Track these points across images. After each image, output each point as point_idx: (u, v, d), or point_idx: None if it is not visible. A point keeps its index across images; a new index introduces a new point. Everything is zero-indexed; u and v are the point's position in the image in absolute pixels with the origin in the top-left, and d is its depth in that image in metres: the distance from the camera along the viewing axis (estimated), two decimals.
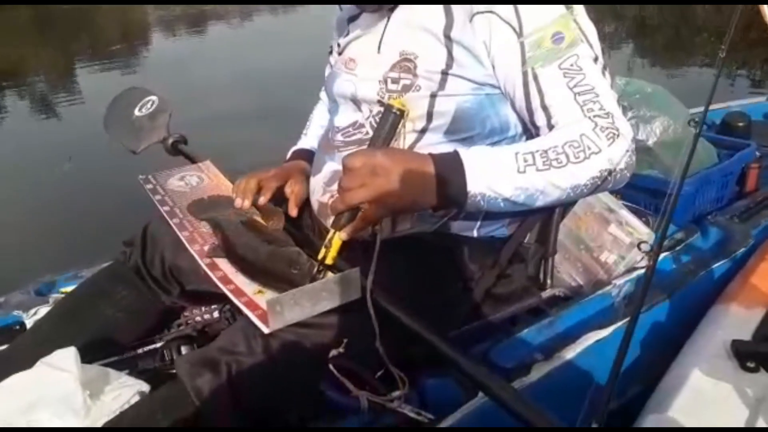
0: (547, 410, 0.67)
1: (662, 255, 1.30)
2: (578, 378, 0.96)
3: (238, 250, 0.97)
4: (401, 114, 0.85)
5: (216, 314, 1.26)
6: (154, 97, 1.65)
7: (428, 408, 0.87)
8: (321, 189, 1.09)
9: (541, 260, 1.18)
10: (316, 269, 0.86)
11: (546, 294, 1.17)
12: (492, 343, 1.00)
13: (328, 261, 0.87)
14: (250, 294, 0.91)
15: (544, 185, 0.83)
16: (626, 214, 1.26)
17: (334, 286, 0.86)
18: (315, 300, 0.85)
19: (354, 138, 1.04)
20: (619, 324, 1.03)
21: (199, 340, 1.17)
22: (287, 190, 1.14)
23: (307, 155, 1.24)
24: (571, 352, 0.98)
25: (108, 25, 12.19)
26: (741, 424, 0.84)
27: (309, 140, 1.31)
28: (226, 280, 0.95)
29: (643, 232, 1.24)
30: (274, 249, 0.92)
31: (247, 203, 1.10)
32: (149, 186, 1.22)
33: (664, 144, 1.41)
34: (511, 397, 0.73)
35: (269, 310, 0.81)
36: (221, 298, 1.04)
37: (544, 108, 0.89)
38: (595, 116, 0.85)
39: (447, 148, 0.95)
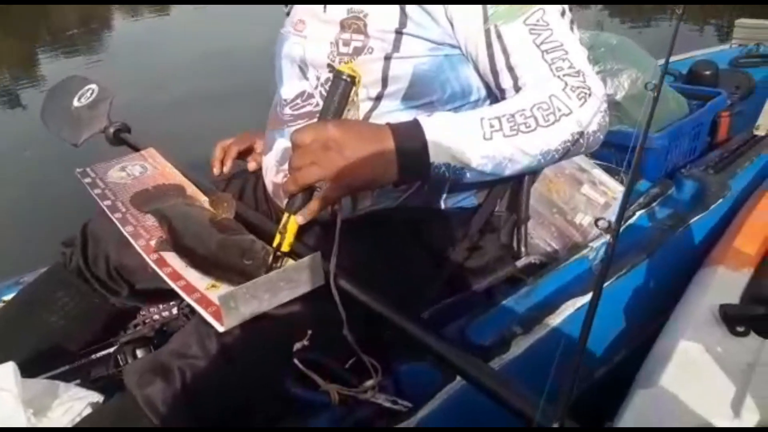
0: (529, 391, 0.63)
1: (638, 212, 1.27)
2: (560, 348, 0.92)
3: (186, 242, 0.90)
4: (352, 81, 0.78)
5: (175, 311, 1.20)
6: (93, 86, 1.57)
7: (405, 396, 0.83)
8: (274, 168, 1.02)
9: (514, 228, 1.14)
10: (271, 258, 0.80)
11: (521, 263, 1.13)
12: (468, 319, 0.96)
13: (285, 248, 0.81)
14: (202, 289, 0.84)
15: (513, 152, 0.78)
16: (599, 173, 1.23)
17: (293, 275, 0.80)
18: (273, 291, 0.79)
19: (303, 110, 0.97)
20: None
21: (157, 341, 1.10)
22: (256, 148, 1.12)
23: None
24: (550, 323, 0.94)
25: (67, 9, 11.66)
26: (733, 392, 0.81)
27: None
28: (175, 276, 0.88)
29: (617, 189, 1.21)
30: (224, 238, 0.85)
31: (216, 170, 1.13)
32: (87, 180, 1.14)
33: (633, 97, 1.37)
34: (491, 379, 0.69)
35: (222, 306, 0.75)
36: (174, 293, 0.98)
37: (510, 68, 0.83)
38: (564, 75, 0.80)
39: (405, 116, 0.90)
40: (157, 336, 1.12)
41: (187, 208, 1.00)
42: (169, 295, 1.07)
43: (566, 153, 0.82)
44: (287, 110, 0.99)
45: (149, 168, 1.19)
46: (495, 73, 0.85)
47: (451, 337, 0.91)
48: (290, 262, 0.83)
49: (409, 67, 0.88)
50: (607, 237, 1.17)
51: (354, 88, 0.81)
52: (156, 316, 1.18)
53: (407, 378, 0.86)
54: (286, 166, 0.99)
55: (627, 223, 1.21)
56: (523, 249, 1.14)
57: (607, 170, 1.28)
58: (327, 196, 0.76)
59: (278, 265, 0.82)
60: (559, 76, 0.80)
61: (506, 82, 0.84)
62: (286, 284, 0.80)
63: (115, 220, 1.01)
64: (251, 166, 1.17)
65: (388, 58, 0.88)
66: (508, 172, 0.81)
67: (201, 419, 0.74)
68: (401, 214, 0.97)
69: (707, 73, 1.82)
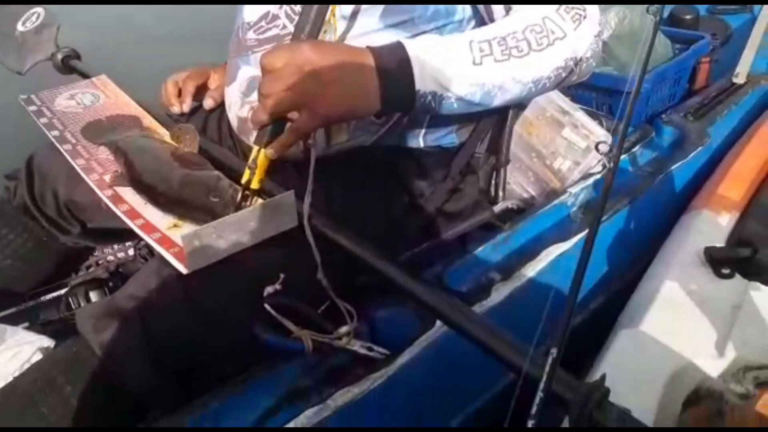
0: (517, 341, 0.60)
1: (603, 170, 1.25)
2: (541, 296, 0.90)
3: (145, 177, 0.83)
4: None
5: (131, 252, 1.13)
6: (39, 9, 1.43)
7: (381, 343, 0.80)
8: (238, 100, 0.95)
9: (492, 171, 1.10)
10: (240, 195, 0.74)
11: (498, 208, 1.10)
12: (444, 265, 0.93)
13: (254, 185, 0.75)
14: (163, 229, 0.79)
15: (503, 79, 0.73)
16: (581, 116, 1.19)
17: (264, 214, 0.75)
18: (242, 232, 0.74)
19: (269, 34, 0.89)
20: (580, 235, 0.97)
21: (112, 283, 1.04)
22: (210, 84, 1.04)
23: None
24: (531, 269, 0.92)
25: None
26: (717, 333, 0.81)
27: None
28: (133, 214, 0.82)
29: (600, 134, 1.18)
30: (188, 173, 0.79)
31: (176, 109, 1.04)
32: (32, 108, 1.04)
33: (619, 38, 1.33)
34: (474, 325, 0.66)
35: (186, 246, 0.69)
36: (130, 233, 0.92)
37: None
38: None
39: (382, 36, 0.83)
40: (112, 278, 1.06)
41: (145, 140, 0.93)
42: (124, 234, 1.01)
43: (559, 81, 0.77)
44: (250, 34, 0.92)
45: (102, 97, 1.10)
46: None
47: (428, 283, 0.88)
48: (260, 201, 0.77)
49: None
50: (588, 181, 1.17)
51: (331, 7, 0.74)
52: (110, 257, 1.12)
53: (383, 324, 0.83)
54: (252, 98, 0.92)
55: (604, 171, 1.18)
56: (500, 193, 1.11)
57: (588, 114, 1.25)
58: (300, 128, 0.70)
59: (247, 203, 0.76)
60: None
61: (498, 8, 0.79)
62: (256, 224, 0.75)
63: (64, 152, 0.93)
64: (208, 103, 1.08)
65: None
66: (497, 102, 0.76)
67: (163, 367, 0.69)
68: (378, 151, 0.91)
69: (688, 17, 1.78)
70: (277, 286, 0.77)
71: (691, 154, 1.24)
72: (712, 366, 0.81)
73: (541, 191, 1.24)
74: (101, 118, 1.03)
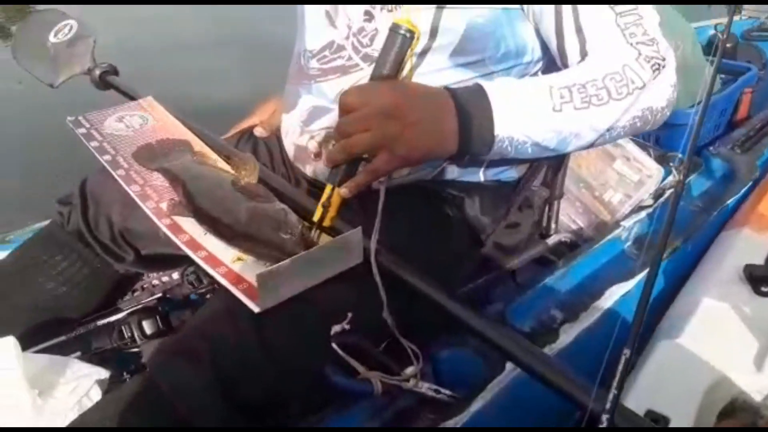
0: (584, 379, 0.60)
1: (667, 191, 1.24)
2: (603, 336, 0.89)
3: (206, 207, 0.82)
4: (411, 36, 0.71)
5: (176, 276, 1.12)
6: (72, 21, 1.44)
7: (444, 383, 0.79)
8: (297, 128, 0.94)
9: (545, 204, 1.09)
10: (313, 232, 0.73)
11: (551, 241, 1.09)
12: (505, 302, 0.91)
13: (327, 222, 0.74)
14: (227, 262, 0.78)
15: (581, 127, 0.72)
16: (633, 149, 1.19)
17: (333, 251, 0.74)
18: (312, 269, 0.73)
19: (333, 64, 0.89)
20: (641, 276, 0.96)
21: (160, 309, 1.03)
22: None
23: None
24: (596, 311, 0.91)
25: None
26: (755, 349, 0.84)
27: None
28: (194, 245, 0.81)
29: (652, 167, 1.17)
30: (255, 206, 0.78)
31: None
32: (82, 130, 1.03)
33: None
34: (547, 367, 0.64)
35: (261, 285, 0.68)
36: (183, 260, 0.91)
37: (578, 30, 0.77)
38: (638, 43, 0.74)
39: (453, 74, 0.83)
40: (160, 304, 1.04)
41: (201, 167, 0.92)
42: (177, 260, 1.00)
43: (634, 130, 0.77)
44: (313, 63, 0.91)
45: (150, 119, 1.09)
46: (560, 34, 0.79)
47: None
48: (328, 237, 0.77)
49: (462, 19, 0.80)
50: (641, 215, 1.16)
51: (412, 46, 0.73)
52: (155, 281, 1.10)
53: (446, 365, 0.82)
54: (313, 127, 0.92)
55: (660, 201, 1.17)
56: (553, 226, 1.10)
57: (636, 145, 1.24)
58: (378, 169, 0.69)
59: (317, 240, 0.75)
60: (632, 44, 0.74)
61: (571, 45, 0.78)
62: (325, 262, 0.74)
63: (117, 177, 0.92)
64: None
65: (440, 7, 0.80)
66: (570, 148, 0.76)
67: (236, 410, 0.68)
68: (440, 186, 0.91)
69: (729, 45, 1.78)
70: (345, 326, 0.76)
71: (743, 190, 1.23)
72: (749, 381, 0.82)
73: (590, 223, 1.23)
74: (152, 141, 1.03)
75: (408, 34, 0.70)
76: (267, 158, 1.05)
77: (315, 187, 0.96)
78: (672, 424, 0.77)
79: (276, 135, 1.07)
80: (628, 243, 1.10)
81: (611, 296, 0.94)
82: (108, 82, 1.36)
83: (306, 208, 0.82)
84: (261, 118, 1.09)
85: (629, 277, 0.97)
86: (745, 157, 1.32)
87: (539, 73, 0.90)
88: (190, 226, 0.84)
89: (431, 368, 0.81)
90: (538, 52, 0.86)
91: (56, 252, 0.92)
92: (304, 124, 0.92)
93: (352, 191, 0.71)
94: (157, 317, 0.99)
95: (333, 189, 0.72)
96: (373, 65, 0.84)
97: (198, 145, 1.04)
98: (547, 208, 1.09)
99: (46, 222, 1.00)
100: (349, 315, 0.75)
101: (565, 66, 0.80)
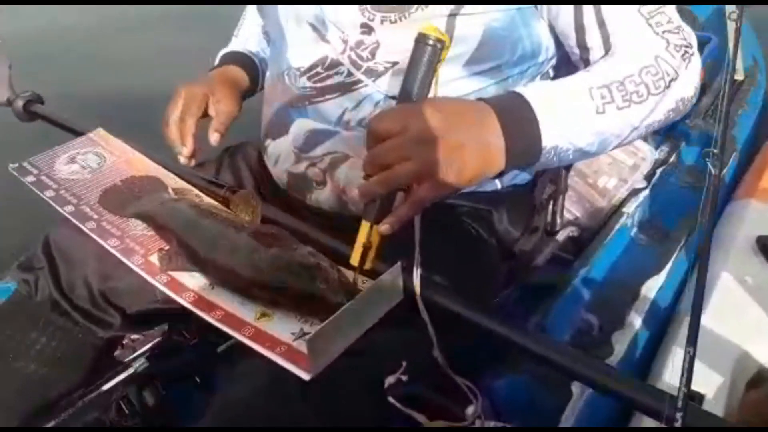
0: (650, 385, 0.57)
1: (658, 169, 1.24)
2: (655, 338, 0.87)
3: (215, 258, 0.72)
4: (441, 46, 0.63)
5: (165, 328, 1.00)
6: None
7: (504, 415, 0.73)
8: (291, 155, 0.85)
9: (549, 200, 1.06)
10: (355, 277, 0.65)
11: (561, 237, 1.05)
12: (541, 314, 0.87)
13: (368, 265, 0.66)
14: (251, 321, 0.68)
15: (622, 127, 0.68)
16: None
17: (377, 294, 0.66)
18: (359, 318, 0.65)
19: (331, 82, 0.80)
20: (669, 265, 0.94)
21: (155, 371, 0.92)
22: (210, 111, 0.91)
23: (241, 59, 1.01)
24: (639, 312, 0.87)
25: None
26: None
27: (242, 41, 1.07)
28: (205, 305, 0.70)
29: (645, 150, 1.16)
30: (278, 254, 0.68)
31: (187, 151, 0.90)
32: (30, 178, 0.89)
33: None
34: (619, 382, 0.60)
35: (312, 350, 0.60)
36: (175, 313, 0.81)
37: (601, 24, 0.73)
38: (665, 32, 0.71)
39: (467, 83, 0.78)
40: (154, 365, 0.93)
41: (189, 210, 0.80)
42: (166, 314, 0.89)
43: (665, 123, 0.74)
44: (303, 82, 0.82)
45: (107, 156, 0.96)
46: (580, 29, 0.74)
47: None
48: (367, 280, 0.69)
49: (478, 26, 0.74)
50: (639, 199, 1.14)
51: (440, 56, 0.66)
52: (135, 336, 0.98)
53: (504, 395, 0.77)
54: (314, 153, 0.83)
55: (653, 181, 1.17)
56: (558, 221, 1.06)
57: None
58: (423, 199, 0.61)
59: (357, 286, 0.67)
60: (659, 33, 0.71)
61: (594, 39, 0.74)
62: (370, 308, 0.66)
63: (90, 232, 0.79)
64: (214, 138, 0.91)
65: (453, 15, 0.73)
66: (609, 149, 0.72)
67: None
68: (460, 200, 0.84)
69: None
70: (401, 376, 0.69)
71: (730, 160, 1.24)
72: None
73: (584, 211, 1.20)
74: (117, 183, 0.90)
75: (438, 44, 0.62)
76: (251, 184, 0.94)
77: (319, 216, 0.87)
78: (707, 400, 0.77)
79: (251, 158, 0.97)
80: (634, 230, 1.08)
81: (648, 293, 0.91)
82: (34, 112, 1.21)
83: (330, 247, 0.74)
84: (193, 106, 0.90)
85: (656, 268, 0.95)
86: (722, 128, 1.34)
87: (550, 71, 0.85)
88: (191, 279, 0.74)
89: (488, 402, 0.75)
90: (552, 50, 0.82)
91: (29, 328, 0.79)
92: (301, 150, 0.83)
93: (394, 227, 0.63)
94: (158, 385, 0.88)
95: (371, 227, 0.64)
96: (377, 80, 0.77)
97: (170, 179, 0.92)
98: (551, 204, 1.05)
99: None
100: (404, 364, 0.68)
101: (586, 62, 0.76)
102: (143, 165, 0.94)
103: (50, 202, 0.85)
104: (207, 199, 0.87)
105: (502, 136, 0.62)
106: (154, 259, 0.77)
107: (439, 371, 0.71)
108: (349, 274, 0.69)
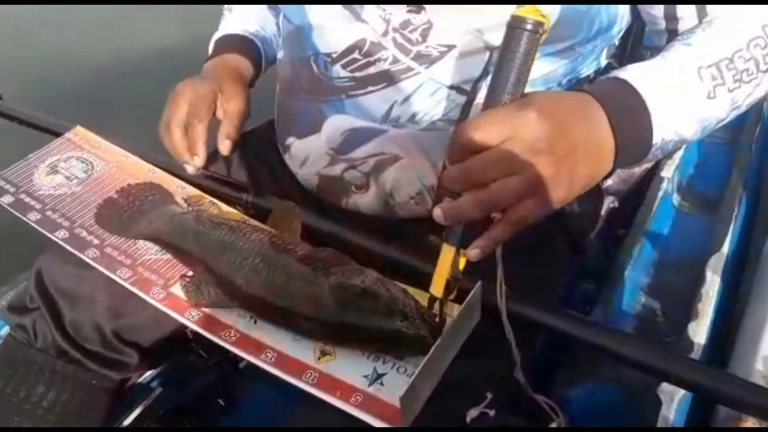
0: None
1: None
2: (721, 323, 0.81)
3: (256, 289, 0.61)
4: (541, 32, 0.52)
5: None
6: None
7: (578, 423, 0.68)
8: (325, 156, 0.74)
9: None
10: (444, 312, 0.56)
11: (603, 211, 0.97)
12: (602, 304, 0.80)
13: (452, 296, 0.57)
14: (312, 364, 0.59)
15: (728, 110, 0.60)
16: None
17: (461, 323, 0.57)
18: (445, 353, 0.57)
19: (372, 70, 0.69)
20: (728, 240, 0.87)
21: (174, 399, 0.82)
22: (218, 113, 0.78)
23: (241, 44, 0.87)
24: (708, 297, 0.80)
25: None
26: None
27: (238, 20, 0.91)
28: (253, 345, 0.61)
29: None
30: (340, 284, 0.58)
31: (192, 169, 0.76)
32: (6, 198, 0.76)
33: None
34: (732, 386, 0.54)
35: (406, 406, 0.51)
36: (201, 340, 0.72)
37: None
38: None
39: (539, 65, 0.67)
40: (172, 393, 0.83)
41: (209, 225, 0.69)
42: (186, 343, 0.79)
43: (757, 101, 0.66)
44: (338, 71, 0.70)
45: (94, 161, 0.83)
46: None
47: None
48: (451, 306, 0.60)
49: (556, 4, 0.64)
50: (675, 161, 1.07)
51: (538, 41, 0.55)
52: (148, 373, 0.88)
53: (581, 405, 0.70)
54: (355, 155, 0.71)
55: None
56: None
57: None
58: (523, 218, 0.50)
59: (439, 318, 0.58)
60: None
61: (687, 8, 0.64)
62: (455, 340, 0.58)
63: (92, 262, 0.68)
64: (225, 147, 0.77)
65: None
66: (703, 136, 0.63)
67: None
68: None
69: None
70: (486, 409, 0.62)
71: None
72: None
73: (616, 177, 1.13)
74: (112, 195, 0.78)
75: (539, 29, 0.51)
76: (272, 186, 0.83)
77: (357, 220, 0.77)
78: None
79: (265, 153, 0.85)
80: (675, 195, 1.02)
81: (714, 271, 0.84)
82: None
83: (388, 259, 0.65)
84: (202, 108, 0.75)
85: (713, 242, 0.88)
86: None
87: (617, 41, 0.75)
88: (229, 316, 0.64)
89: (568, 415, 0.69)
90: (626, 18, 0.72)
91: (34, 381, 0.68)
92: (338, 151, 0.72)
93: (485, 252, 0.53)
94: (186, 419, 0.78)
95: (458, 251, 0.54)
96: (431, 67, 0.66)
97: (175, 185, 0.80)
98: None
99: None
100: (489, 396, 0.60)
101: (672, 33, 0.67)
102: (139, 169, 0.81)
103: (37, 227, 0.72)
104: (226, 208, 0.76)
105: (611, 134, 0.52)
106: (177, 290, 0.66)
107: (520, 391, 0.64)
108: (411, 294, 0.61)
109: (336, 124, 0.71)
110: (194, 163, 0.75)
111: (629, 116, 0.53)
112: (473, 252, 0.53)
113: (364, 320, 0.56)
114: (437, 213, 0.51)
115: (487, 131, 0.48)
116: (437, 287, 0.55)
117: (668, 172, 1.04)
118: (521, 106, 0.49)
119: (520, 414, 0.67)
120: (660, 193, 1.00)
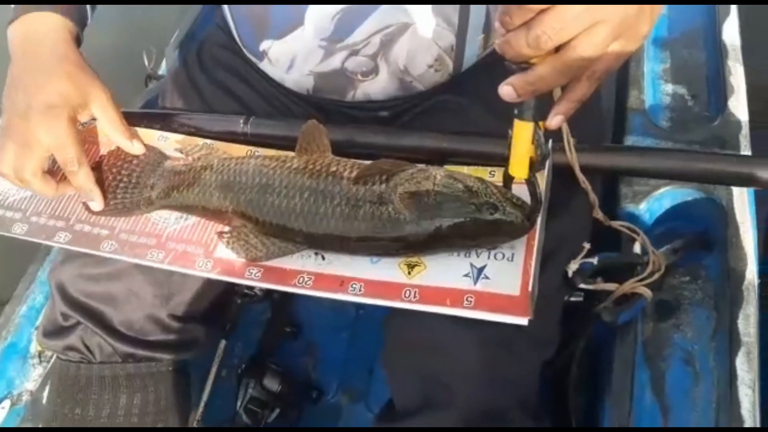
0: None
1: None
2: None
3: (317, 228, 0.56)
4: None
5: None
6: None
7: None
8: (319, 51, 0.65)
9: None
10: (538, 190, 0.52)
11: None
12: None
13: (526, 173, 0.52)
14: (407, 281, 0.56)
15: None
16: None
17: (546, 193, 0.55)
18: (543, 230, 0.55)
19: None
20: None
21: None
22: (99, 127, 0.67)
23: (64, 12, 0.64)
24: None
25: None
26: None
27: None
28: (335, 283, 0.57)
29: None
30: (409, 192, 0.54)
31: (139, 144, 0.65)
32: None
33: None
34: None
35: (533, 294, 0.50)
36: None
37: None
38: None
39: None
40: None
41: (228, 172, 0.61)
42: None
43: None
44: None
45: None
46: None
47: None
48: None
49: None
50: None
51: None
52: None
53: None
54: (354, 38, 0.63)
55: None
56: None
57: None
58: (607, 69, 0.45)
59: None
60: None
61: None
62: (544, 211, 0.56)
63: (114, 256, 0.61)
64: (138, 149, 0.65)
65: None
66: None
67: None
68: None
69: None
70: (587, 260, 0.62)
71: None
72: None
73: None
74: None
75: None
76: (259, 104, 0.74)
77: (368, 110, 0.71)
78: None
79: (229, 72, 0.75)
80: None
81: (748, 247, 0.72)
82: None
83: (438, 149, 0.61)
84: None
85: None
86: None
87: None
88: (288, 259, 0.59)
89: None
90: None
91: (114, 394, 0.63)
92: (330, 40, 0.63)
93: (568, 117, 0.49)
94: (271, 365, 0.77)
95: (537, 124, 0.49)
96: None
97: (155, 137, 0.70)
98: None
99: None
100: (586, 246, 0.60)
101: None
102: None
103: (28, 239, 0.64)
104: (225, 146, 0.68)
105: None
106: (223, 251, 0.60)
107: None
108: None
109: (322, 9, 0.62)
110: (135, 149, 0.64)
111: None
112: (556, 119, 0.48)
113: (454, 223, 0.53)
114: (507, 90, 0.45)
115: None
116: (521, 168, 0.51)
117: None
118: None
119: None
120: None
